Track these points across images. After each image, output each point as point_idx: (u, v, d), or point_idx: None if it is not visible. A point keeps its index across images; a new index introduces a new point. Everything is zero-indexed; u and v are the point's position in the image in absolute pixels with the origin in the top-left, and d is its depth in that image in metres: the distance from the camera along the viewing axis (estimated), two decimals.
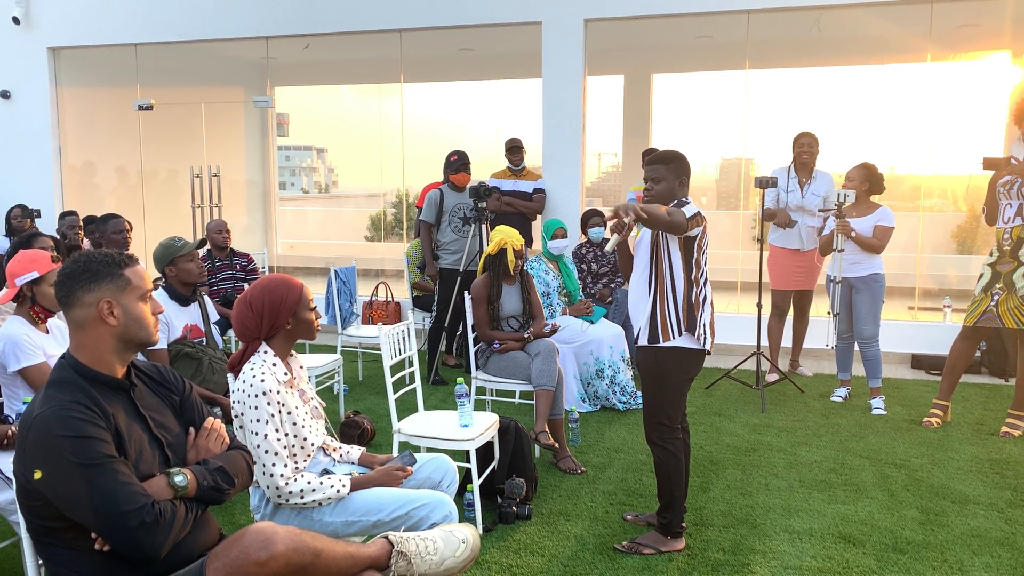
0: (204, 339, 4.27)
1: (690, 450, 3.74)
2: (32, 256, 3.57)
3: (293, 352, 2.96)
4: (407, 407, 4.27)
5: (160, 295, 4.19)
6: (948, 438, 5.11)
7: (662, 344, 3.47)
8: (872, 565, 3.46)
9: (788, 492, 4.26)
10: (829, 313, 5.79)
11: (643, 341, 3.54)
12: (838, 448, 4.93)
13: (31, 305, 3.54)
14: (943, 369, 5.50)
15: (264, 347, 2.82)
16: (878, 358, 5.74)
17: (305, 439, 2.81)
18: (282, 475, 2.67)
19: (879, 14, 7.82)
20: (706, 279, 3.53)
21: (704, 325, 3.49)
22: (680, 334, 3.45)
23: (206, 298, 4.48)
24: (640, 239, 3.60)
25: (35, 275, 3.51)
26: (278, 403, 2.72)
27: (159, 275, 4.35)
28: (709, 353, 3.56)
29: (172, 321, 4.14)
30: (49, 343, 3.55)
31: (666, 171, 3.52)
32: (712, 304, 3.56)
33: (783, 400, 5.99)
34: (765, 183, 5.94)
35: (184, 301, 4.25)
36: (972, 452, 4.84)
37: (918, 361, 7.07)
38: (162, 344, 4.08)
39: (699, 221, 3.40)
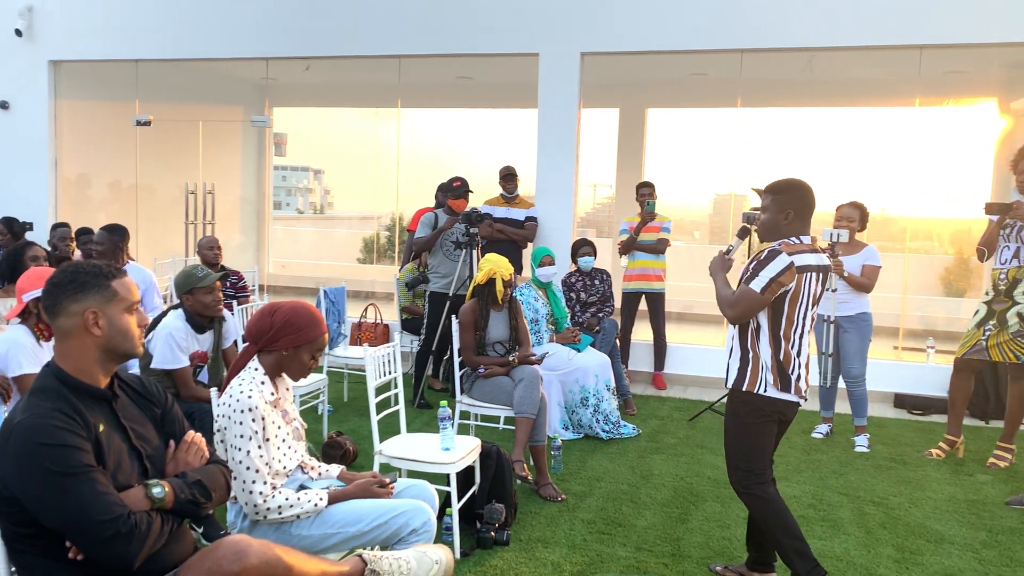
0: (206, 364, 4.31)
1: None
2: (41, 273, 3.62)
3: (282, 373, 2.98)
4: (390, 429, 4.28)
5: (178, 316, 4.24)
6: (927, 478, 5.14)
7: (742, 389, 3.30)
8: None
9: None
10: (820, 352, 5.83)
11: (729, 383, 3.36)
12: (817, 484, 4.96)
13: (36, 321, 3.60)
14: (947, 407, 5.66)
15: (255, 363, 2.84)
16: (864, 397, 5.81)
17: (284, 457, 2.83)
18: (261, 492, 2.69)
19: (869, 58, 7.96)
20: (803, 332, 3.26)
21: (798, 378, 3.27)
22: (766, 388, 3.25)
23: (227, 325, 4.49)
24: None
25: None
26: (262, 419, 2.74)
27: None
28: (805, 400, 3.33)
29: (182, 345, 4.17)
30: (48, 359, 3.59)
31: (770, 202, 3.27)
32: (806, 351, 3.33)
33: None
34: (750, 219, 6.01)
35: (200, 329, 4.29)
36: (950, 492, 4.87)
37: (901, 400, 7.11)
38: (183, 363, 4.15)
39: (785, 281, 3.14)
